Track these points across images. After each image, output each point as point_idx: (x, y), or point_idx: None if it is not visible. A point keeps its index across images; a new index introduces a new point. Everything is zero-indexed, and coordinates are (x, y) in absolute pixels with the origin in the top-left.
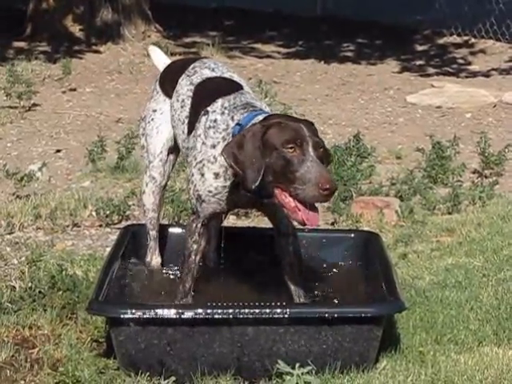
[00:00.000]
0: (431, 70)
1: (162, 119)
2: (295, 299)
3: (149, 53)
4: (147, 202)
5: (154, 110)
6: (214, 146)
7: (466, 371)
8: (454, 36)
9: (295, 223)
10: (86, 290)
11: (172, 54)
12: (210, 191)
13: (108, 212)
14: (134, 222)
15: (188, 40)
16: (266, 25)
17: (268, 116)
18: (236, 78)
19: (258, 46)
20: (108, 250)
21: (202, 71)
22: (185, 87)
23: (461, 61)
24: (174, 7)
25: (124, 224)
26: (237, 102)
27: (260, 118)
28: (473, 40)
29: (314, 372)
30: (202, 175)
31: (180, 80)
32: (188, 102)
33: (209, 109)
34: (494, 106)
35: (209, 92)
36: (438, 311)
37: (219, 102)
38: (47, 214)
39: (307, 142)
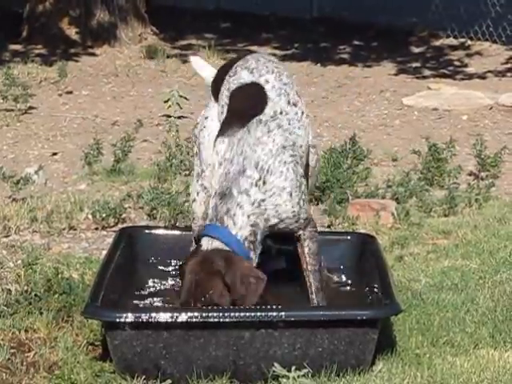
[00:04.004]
0: (427, 72)
1: (214, 126)
2: (311, 298)
3: (191, 64)
4: (198, 210)
5: (206, 117)
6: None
7: (462, 374)
8: (451, 38)
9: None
10: (82, 293)
11: (168, 57)
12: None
13: (104, 215)
14: (130, 225)
15: (184, 42)
16: (261, 27)
17: None
18: (270, 83)
19: (254, 48)
20: (104, 252)
21: (241, 73)
22: (224, 92)
23: (457, 63)
24: (170, 10)
25: (120, 227)
26: (234, 159)
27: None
28: (469, 42)
29: (309, 375)
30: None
31: (224, 83)
32: (225, 110)
33: (217, 143)
34: (491, 108)
35: (230, 112)
36: (434, 313)
37: (225, 144)
38: (43, 217)
39: None
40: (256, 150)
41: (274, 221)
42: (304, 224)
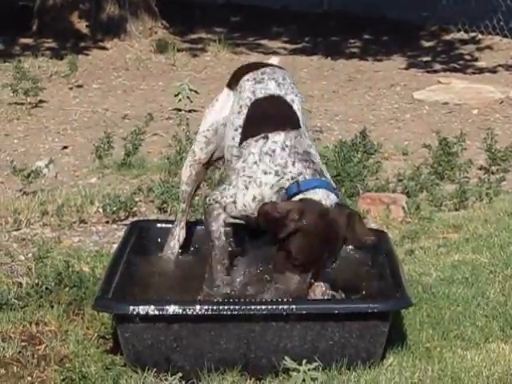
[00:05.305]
0: (438, 67)
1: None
2: None
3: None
4: (183, 175)
5: (217, 100)
6: (265, 172)
7: (472, 367)
8: (461, 32)
9: None
10: (93, 287)
11: (178, 51)
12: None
13: (115, 208)
14: (141, 218)
15: (194, 36)
16: (272, 21)
17: None
18: (296, 104)
19: (265, 42)
20: (115, 246)
21: (268, 83)
22: (247, 92)
23: (467, 57)
24: (180, 3)
25: (131, 220)
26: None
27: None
28: (480, 36)
29: (320, 368)
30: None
31: (245, 80)
32: (245, 112)
33: (269, 136)
34: (501, 102)
35: (267, 117)
36: (444, 307)
37: (282, 135)
38: (54, 211)
39: None
40: (311, 152)
41: None
42: None
